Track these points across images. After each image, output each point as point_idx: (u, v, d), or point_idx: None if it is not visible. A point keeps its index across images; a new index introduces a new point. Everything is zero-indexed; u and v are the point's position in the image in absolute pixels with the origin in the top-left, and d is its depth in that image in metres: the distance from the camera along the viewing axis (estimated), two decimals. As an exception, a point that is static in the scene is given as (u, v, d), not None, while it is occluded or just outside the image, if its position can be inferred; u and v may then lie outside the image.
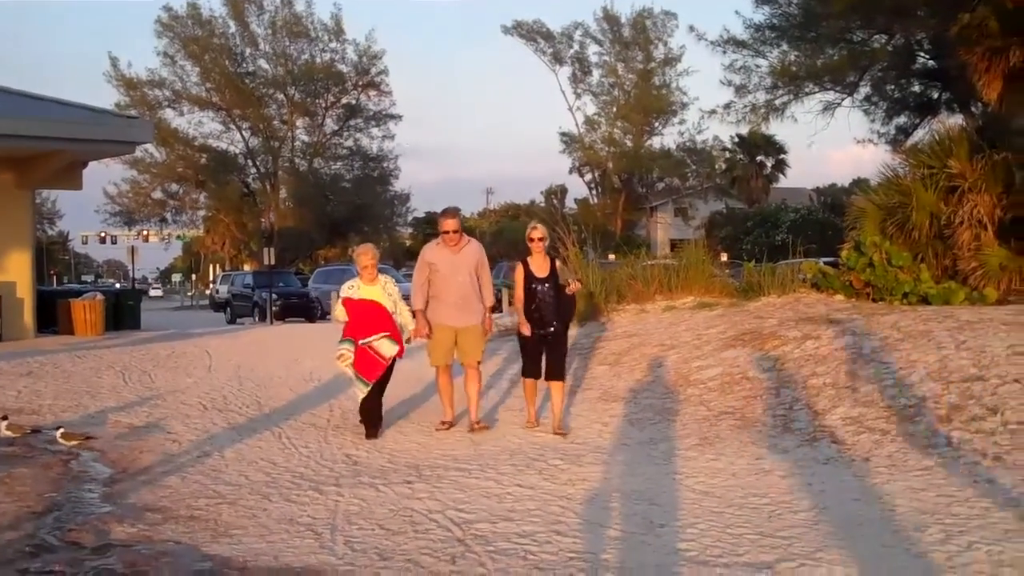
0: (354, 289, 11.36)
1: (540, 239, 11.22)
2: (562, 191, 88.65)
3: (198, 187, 72.48)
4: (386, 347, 11.08)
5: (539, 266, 11.18)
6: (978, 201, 16.98)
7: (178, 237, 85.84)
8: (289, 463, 9.87)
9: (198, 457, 10.22)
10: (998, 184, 17.02)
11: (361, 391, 11.12)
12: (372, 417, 11.22)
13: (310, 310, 38.39)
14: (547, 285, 11.08)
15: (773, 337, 13.43)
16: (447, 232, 11.32)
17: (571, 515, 7.58)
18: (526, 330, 11.09)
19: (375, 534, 7.20)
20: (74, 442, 10.63)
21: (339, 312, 11.41)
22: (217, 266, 78.24)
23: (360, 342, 11.06)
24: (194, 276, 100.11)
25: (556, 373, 11.25)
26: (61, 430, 10.83)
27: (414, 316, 11.43)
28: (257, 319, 39.24)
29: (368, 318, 11.13)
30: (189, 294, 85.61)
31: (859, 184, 35.72)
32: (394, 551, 6.77)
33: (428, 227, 79.45)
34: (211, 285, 67.30)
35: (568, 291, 11.03)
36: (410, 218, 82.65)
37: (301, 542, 7.05)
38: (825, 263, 19.60)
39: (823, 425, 10.20)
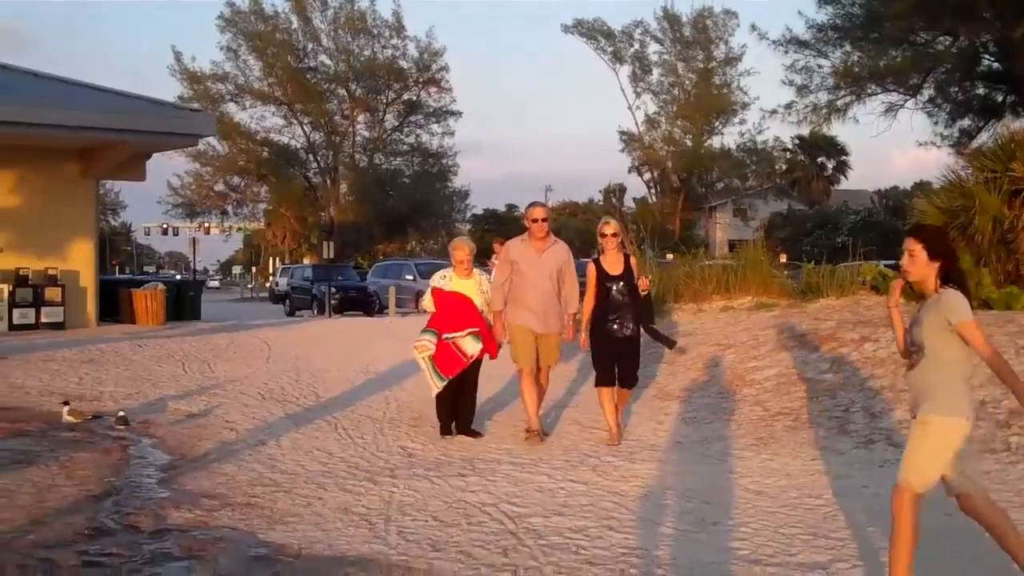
0: (446, 280, 10.84)
1: (613, 235, 10.45)
2: (621, 190, 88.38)
3: (259, 180, 73.13)
4: (470, 345, 10.54)
5: (612, 264, 10.41)
6: (1042, 205, 16.76)
7: (239, 230, 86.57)
8: (345, 454, 9.96)
9: (255, 446, 10.34)
10: (1063, 188, 16.79)
11: (436, 386, 10.62)
12: (448, 414, 10.80)
13: (368, 304, 38.52)
14: (621, 284, 10.33)
15: (831, 339, 13.34)
16: (535, 220, 10.51)
17: (624, 511, 7.60)
18: (584, 343, 10.58)
19: (428, 525, 7.25)
20: (122, 427, 10.92)
21: (427, 302, 10.92)
22: (277, 259, 78.80)
23: (444, 336, 10.56)
24: (254, 269, 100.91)
25: (627, 379, 10.54)
26: (121, 413, 11.08)
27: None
28: (316, 312, 39.47)
29: (456, 312, 10.62)
30: (249, 286, 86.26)
31: (921, 187, 35.39)
32: (447, 542, 6.82)
33: (487, 223, 79.72)
34: (271, 278, 67.81)
35: (642, 287, 10.50)
36: (469, 215, 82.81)
37: (355, 531, 7.12)
38: (886, 266, 19.41)
39: (880, 428, 10.15)
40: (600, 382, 10.51)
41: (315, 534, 7.06)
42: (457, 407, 10.82)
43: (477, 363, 10.77)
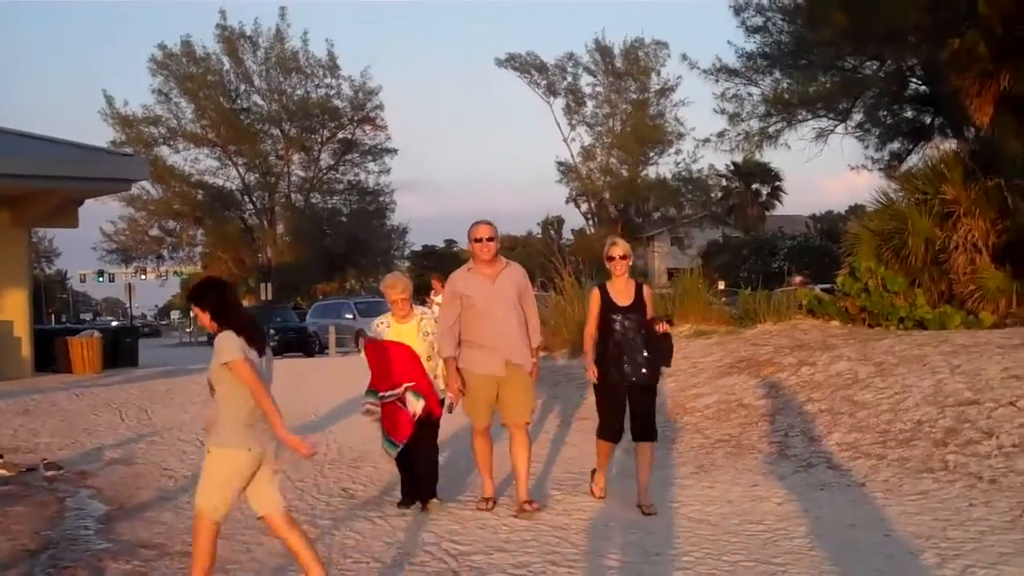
0: (383, 327, 9.25)
1: (622, 258, 8.90)
2: (558, 222, 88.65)
3: (195, 224, 72.65)
4: (411, 402, 8.92)
5: (620, 292, 8.83)
6: (973, 226, 17.04)
7: (176, 274, 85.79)
8: (284, 497, 9.82)
9: (194, 493, 10.18)
10: (992, 208, 17.09)
11: (389, 454, 9.16)
12: (410, 484, 9.24)
13: (308, 345, 38.37)
14: (631, 318, 8.71)
15: (769, 364, 13.44)
16: (479, 240, 8.77)
17: (567, 545, 7.57)
18: (591, 374, 8.81)
19: (369, 568, 7.20)
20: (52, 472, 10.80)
21: (362, 356, 9.39)
22: (215, 302, 78.04)
23: (380, 395, 9.01)
24: (192, 313, 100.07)
25: (646, 431, 8.80)
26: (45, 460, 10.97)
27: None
28: (255, 354, 39.15)
29: (391, 365, 8.98)
30: (188, 330, 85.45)
31: (855, 211, 35.83)
32: (389, 584, 6.76)
33: (425, 260, 79.65)
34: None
35: (660, 330, 8.69)
36: (407, 252, 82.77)
37: (296, 576, 7.04)
38: (822, 290, 19.63)
39: (819, 451, 10.20)
40: (601, 433, 8.95)
41: (255, 581, 6.98)
42: (413, 475, 9.23)
43: (432, 422, 9.14)
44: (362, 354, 9.42)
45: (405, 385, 8.91)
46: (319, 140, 72.46)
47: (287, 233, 73.14)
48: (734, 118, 39.86)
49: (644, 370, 8.67)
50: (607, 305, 8.80)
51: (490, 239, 8.79)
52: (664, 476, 10.08)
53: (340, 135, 72.67)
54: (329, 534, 8.25)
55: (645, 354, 8.66)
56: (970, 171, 17.64)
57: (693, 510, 8.59)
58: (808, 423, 11.02)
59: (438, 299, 19.13)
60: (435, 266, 63.30)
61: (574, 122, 77.94)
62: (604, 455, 9.07)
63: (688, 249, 73.16)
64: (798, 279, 29.12)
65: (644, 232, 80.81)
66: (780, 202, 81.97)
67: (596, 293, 8.96)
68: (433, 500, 9.03)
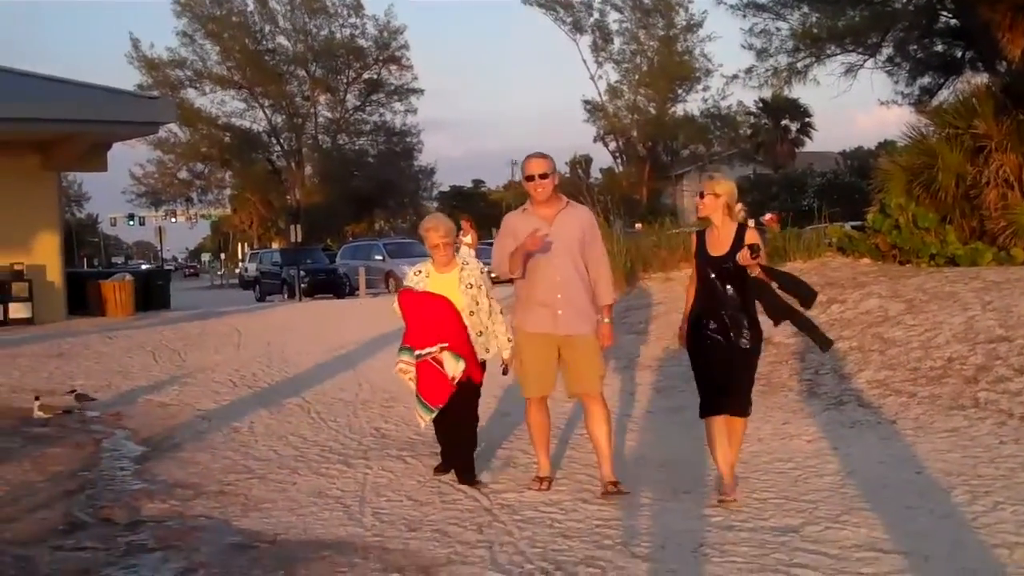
0: (420, 276, 8.04)
1: (714, 196, 7.15)
2: (587, 161, 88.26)
3: (223, 166, 72.91)
4: (450, 363, 7.80)
5: (717, 240, 7.17)
6: (1004, 160, 16.83)
7: (204, 216, 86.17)
8: (318, 437, 9.95)
9: (228, 433, 10.33)
10: (1024, 143, 16.88)
11: (422, 418, 8.03)
12: (448, 450, 8.20)
13: (338, 286, 38.45)
14: (727, 270, 7.07)
15: (799, 302, 13.41)
16: (531, 178, 7.49)
17: (597, 483, 7.59)
18: (681, 339, 7.45)
19: (403, 505, 7.27)
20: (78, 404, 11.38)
21: (396, 308, 8.17)
22: (245, 245, 78.53)
23: (416, 353, 7.94)
24: (223, 255, 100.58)
25: (738, 403, 7.16)
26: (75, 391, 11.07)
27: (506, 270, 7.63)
28: (286, 296, 39.34)
29: (428, 320, 7.89)
30: (219, 273, 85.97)
31: (885, 146, 35.49)
32: (422, 522, 6.83)
33: (454, 201, 79.63)
34: (240, 264, 67.66)
35: (740, 261, 6.88)
36: (435, 192, 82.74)
37: (330, 515, 7.13)
38: (852, 227, 19.52)
39: (849, 389, 10.21)
40: (705, 410, 7.23)
41: (290, 519, 7.06)
42: (450, 441, 8.17)
43: (473, 387, 8.01)
44: (396, 306, 8.18)
45: (440, 345, 7.80)
46: (345, 81, 72.46)
47: (315, 175, 73.33)
48: (762, 54, 39.35)
49: (744, 332, 7.10)
50: (701, 256, 7.24)
51: (543, 176, 7.45)
52: (694, 416, 10.01)
53: (366, 75, 72.62)
54: (363, 473, 8.33)
55: (742, 310, 7.11)
56: (1002, 105, 17.39)
57: (723, 448, 8.61)
58: (838, 361, 11.02)
59: (467, 239, 19.21)
60: (463, 206, 63.32)
61: (601, 59, 77.55)
62: (713, 435, 7.15)
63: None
64: (769, 216, 28.86)
65: (673, 170, 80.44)
66: (810, 138, 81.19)
67: (693, 240, 7.43)
68: (477, 480, 7.90)
